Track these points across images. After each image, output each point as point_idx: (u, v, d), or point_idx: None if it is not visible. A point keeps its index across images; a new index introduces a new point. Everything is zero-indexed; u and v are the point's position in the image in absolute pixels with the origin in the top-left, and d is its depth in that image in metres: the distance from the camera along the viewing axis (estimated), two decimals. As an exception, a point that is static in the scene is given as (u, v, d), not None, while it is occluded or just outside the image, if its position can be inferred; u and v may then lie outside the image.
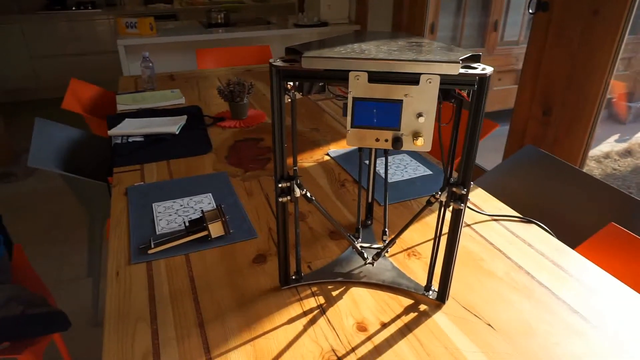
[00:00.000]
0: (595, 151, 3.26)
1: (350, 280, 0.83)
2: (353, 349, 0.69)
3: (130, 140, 1.48)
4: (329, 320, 0.75)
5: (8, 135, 3.10)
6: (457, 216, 0.69)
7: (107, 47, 4.33)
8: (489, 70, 0.59)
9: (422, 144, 0.62)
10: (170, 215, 1.05)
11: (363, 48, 0.64)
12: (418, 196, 1.14)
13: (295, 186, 0.72)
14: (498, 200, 1.12)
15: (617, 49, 1.65)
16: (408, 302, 0.79)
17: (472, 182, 1.18)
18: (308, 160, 1.35)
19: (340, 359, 0.67)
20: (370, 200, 1.00)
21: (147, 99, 1.88)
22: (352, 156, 1.36)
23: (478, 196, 1.14)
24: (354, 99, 0.61)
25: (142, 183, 1.21)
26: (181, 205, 1.09)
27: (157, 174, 1.27)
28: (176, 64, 3.12)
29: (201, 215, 0.97)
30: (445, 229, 0.73)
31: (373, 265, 0.85)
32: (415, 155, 1.37)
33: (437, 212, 0.72)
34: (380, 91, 0.61)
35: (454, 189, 0.67)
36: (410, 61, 0.58)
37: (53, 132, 1.62)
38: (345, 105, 0.62)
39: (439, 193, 0.69)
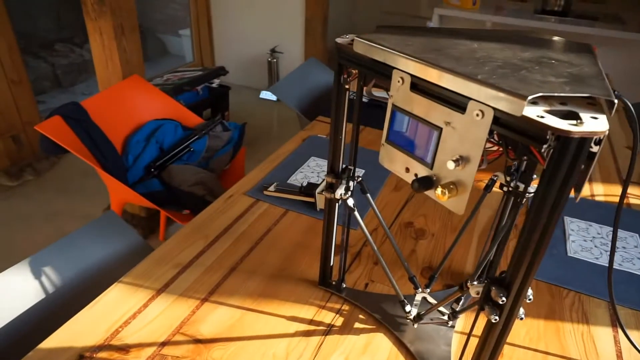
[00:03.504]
0: None
1: (386, 325, 0.68)
2: (306, 387, 0.59)
3: (368, 99, 1.56)
4: (320, 345, 0.65)
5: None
6: (488, 331, 0.45)
7: (425, 12, 4.22)
8: (589, 127, 0.33)
9: (448, 200, 0.42)
10: (312, 172, 1.09)
11: (465, 49, 0.46)
12: (590, 293, 0.78)
13: (341, 186, 0.62)
14: None
15: None
16: (419, 393, 0.59)
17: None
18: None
19: (285, 384, 0.59)
20: (491, 257, 0.75)
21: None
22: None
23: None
24: (393, 107, 0.46)
25: (324, 136, 1.27)
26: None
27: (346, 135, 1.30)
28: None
29: (320, 182, 0.97)
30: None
31: (414, 325, 0.66)
32: (653, 242, 0.91)
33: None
34: (421, 106, 0.43)
35: (493, 289, 0.43)
36: (452, 73, 0.38)
37: (316, 72, 1.87)
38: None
39: (474, 282, 0.46)
